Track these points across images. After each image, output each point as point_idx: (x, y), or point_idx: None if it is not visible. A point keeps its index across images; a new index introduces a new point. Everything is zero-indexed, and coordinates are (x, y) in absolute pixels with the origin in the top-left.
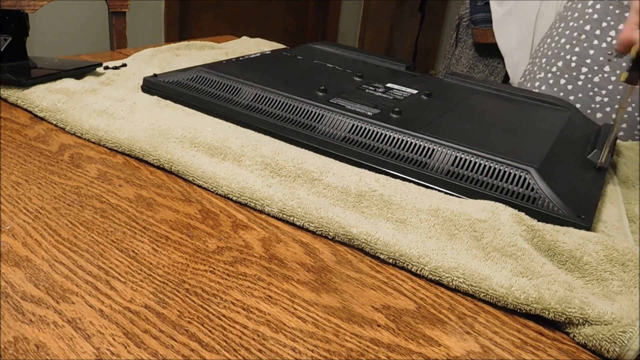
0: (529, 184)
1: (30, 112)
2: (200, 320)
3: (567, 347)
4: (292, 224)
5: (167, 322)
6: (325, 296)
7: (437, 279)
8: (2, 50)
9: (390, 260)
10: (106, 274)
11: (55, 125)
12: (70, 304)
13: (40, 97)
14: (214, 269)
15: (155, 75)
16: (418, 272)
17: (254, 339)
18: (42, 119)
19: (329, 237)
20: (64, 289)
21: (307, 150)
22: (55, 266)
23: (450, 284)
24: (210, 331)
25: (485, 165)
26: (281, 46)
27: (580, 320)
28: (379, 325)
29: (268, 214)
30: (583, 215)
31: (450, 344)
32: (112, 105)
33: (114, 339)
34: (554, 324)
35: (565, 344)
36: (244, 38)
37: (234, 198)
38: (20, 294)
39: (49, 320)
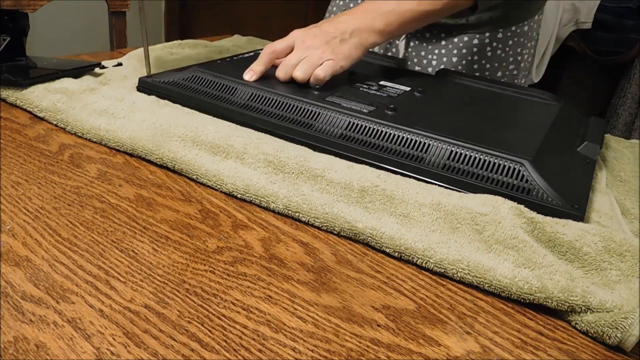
0: (523, 175)
1: (29, 112)
2: (200, 320)
3: (567, 347)
4: (293, 224)
5: (167, 322)
6: (325, 296)
7: (442, 271)
8: (0, 50)
9: (396, 254)
10: (106, 274)
11: (56, 125)
12: (70, 304)
13: (40, 97)
14: (214, 269)
15: (150, 75)
16: (423, 264)
17: (254, 339)
18: (42, 119)
19: (334, 232)
20: (64, 289)
21: (307, 148)
22: (55, 266)
23: (455, 275)
24: (210, 331)
25: (480, 159)
26: None
27: (583, 308)
28: (379, 325)
29: (273, 211)
30: (576, 205)
31: (450, 344)
32: (112, 104)
33: (114, 339)
34: (554, 324)
35: (565, 344)
36: (236, 36)
37: (238, 195)
38: (20, 294)
39: (49, 320)
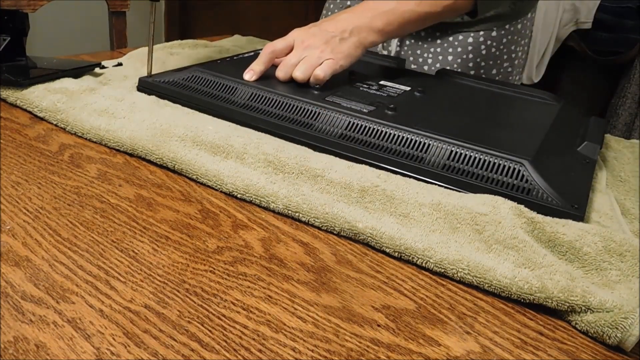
0: (523, 175)
1: (29, 112)
2: (200, 320)
3: (567, 347)
4: (293, 224)
5: (167, 322)
6: (325, 296)
7: (442, 271)
8: (0, 50)
9: (396, 254)
10: (106, 274)
11: (56, 125)
12: (70, 304)
13: (40, 97)
14: (214, 269)
15: (150, 75)
16: (423, 264)
17: (254, 339)
18: (42, 119)
19: (334, 232)
20: (64, 289)
21: (308, 148)
22: (55, 266)
23: (455, 275)
24: (210, 331)
25: (480, 159)
26: None
27: (583, 308)
28: (379, 325)
29: (273, 211)
30: (576, 205)
31: (450, 344)
32: (112, 104)
33: (114, 339)
34: (554, 324)
35: (565, 343)
36: (236, 36)
37: (238, 195)
38: (20, 294)
39: (49, 320)
